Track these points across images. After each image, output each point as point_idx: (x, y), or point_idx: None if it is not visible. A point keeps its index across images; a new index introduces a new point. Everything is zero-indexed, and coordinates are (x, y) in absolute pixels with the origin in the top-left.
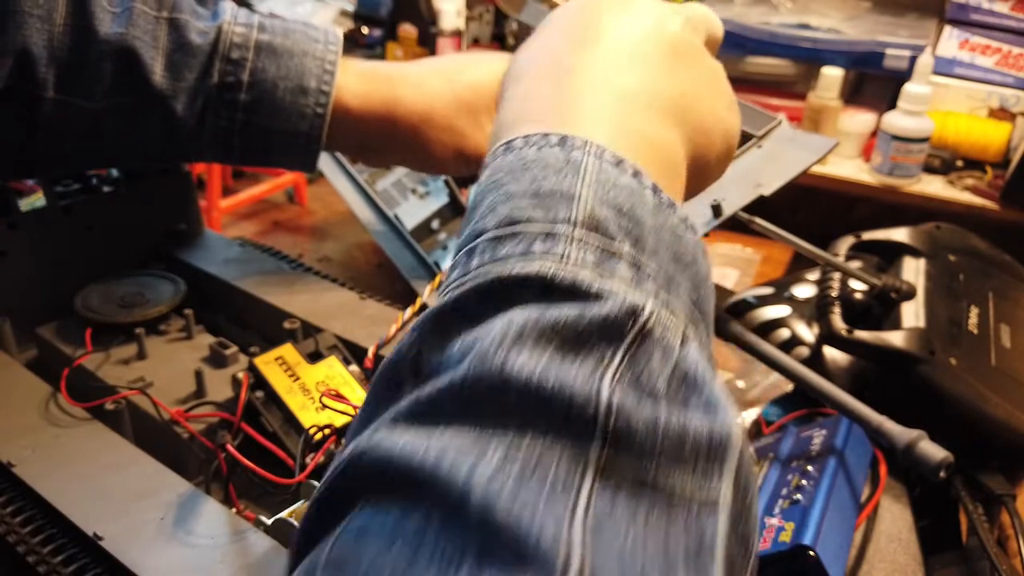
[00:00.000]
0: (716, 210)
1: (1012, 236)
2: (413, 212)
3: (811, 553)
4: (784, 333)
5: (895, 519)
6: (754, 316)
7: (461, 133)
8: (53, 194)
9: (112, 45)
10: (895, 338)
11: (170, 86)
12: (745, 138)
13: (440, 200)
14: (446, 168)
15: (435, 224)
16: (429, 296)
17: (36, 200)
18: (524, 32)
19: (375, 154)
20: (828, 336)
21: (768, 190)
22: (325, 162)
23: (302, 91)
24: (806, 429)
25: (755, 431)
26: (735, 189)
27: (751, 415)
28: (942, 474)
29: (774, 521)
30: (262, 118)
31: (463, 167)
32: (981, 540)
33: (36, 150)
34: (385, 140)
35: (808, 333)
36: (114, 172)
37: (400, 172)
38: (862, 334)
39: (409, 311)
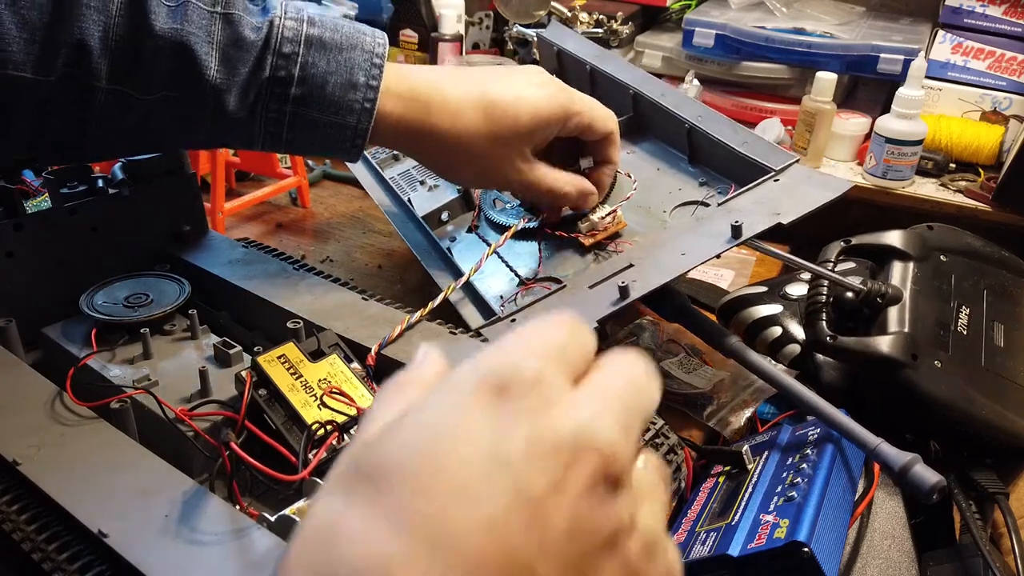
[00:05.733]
0: (736, 231)
1: (1004, 237)
2: (423, 202)
3: (806, 549)
4: (776, 331)
5: (889, 516)
6: (747, 314)
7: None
8: (59, 196)
9: (167, 40)
10: (877, 343)
11: (224, 80)
12: (763, 171)
13: (450, 194)
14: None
15: (444, 216)
16: (441, 301)
17: (42, 201)
18: (543, 48)
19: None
20: (814, 343)
21: (786, 219)
22: None
23: (351, 86)
24: (801, 427)
25: (750, 429)
26: (754, 215)
27: (746, 413)
28: (935, 497)
29: (769, 518)
30: (312, 111)
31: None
32: (975, 537)
33: (89, 137)
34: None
35: (800, 331)
36: (119, 174)
37: (409, 163)
38: (846, 340)
39: (418, 314)
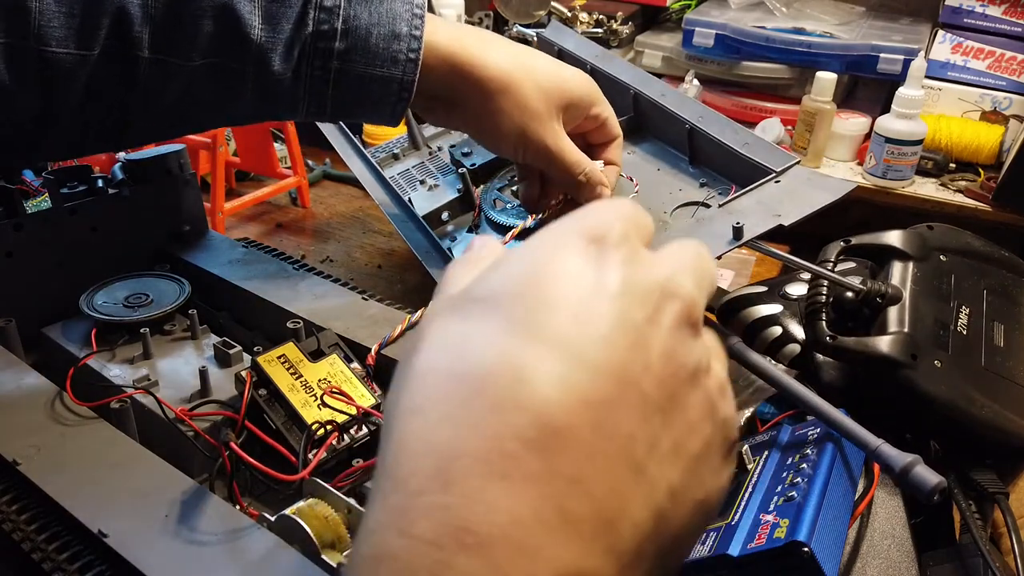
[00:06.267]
0: (737, 233)
1: (1004, 237)
2: (422, 202)
3: (806, 549)
4: (776, 331)
5: (889, 516)
6: (747, 314)
7: (532, 115)
8: (58, 196)
9: (209, 1)
10: (877, 344)
11: (268, 39)
12: (764, 172)
13: (450, 194)
14: (505, 145)
15: (445, 215)
16: None
17: (41, 202)
18: (543, 46)
19: (443, 108)
20: (813, 343)
21: (787, 220)
22: (339, 143)
23: (395, 36)
24: (800, 427)
25: (750, 429)
26: (755, 217)
27: (746, 413)
28: (936, 498)
29: (769, 518)
30: (357, 66)
31: (520, 151)
32: (974, 537)
33: (133, 115)
34: (460, 95)
35: (800, 331)
36: (119, 174)
37: (409, 162)
38: (845, 341)
39: (418, 314)
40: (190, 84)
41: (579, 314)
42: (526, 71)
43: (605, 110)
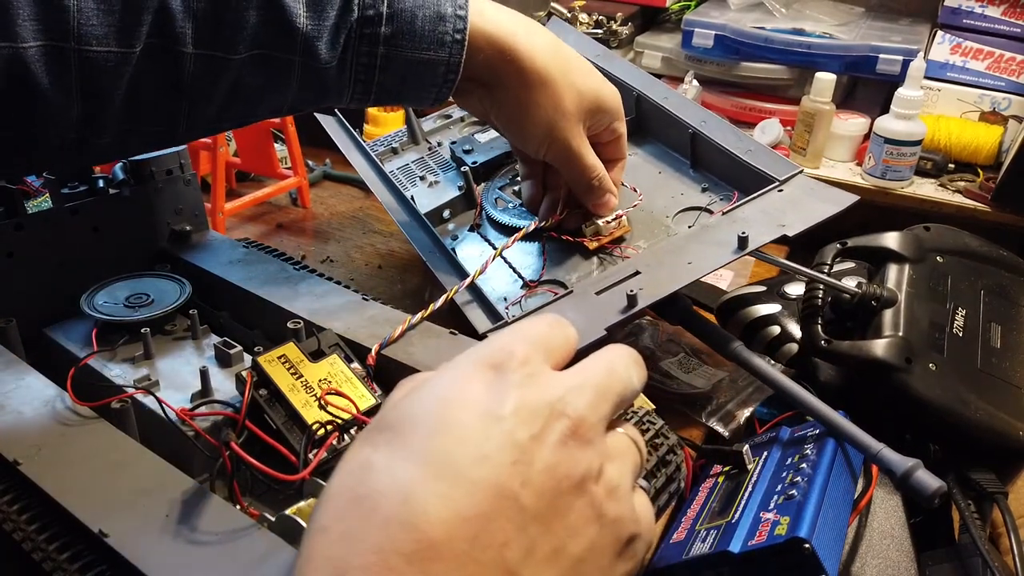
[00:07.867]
0: (742, 242)
1: (1003, 238)
2: (423, 199)
3: (807, 546)
4: (774, 330)
5: (888, 515)
6: (745, 314)
7: (563, 114)
8: (59, 196)
9: None
10: (871, 347)
11: (314, 26)
12: (767, 180)
13: (451, 191)
14: (531, 138)
15: (446, 214)
16: (443, 303)
17: (43, 202)
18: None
19: (481, 91)
20: (809, 346)
21: (792, 231)
22: (340, 138)
23: (440, 18)
24: (800, 427)
25: (749, 429)
26: (759, 226)
27: (746, 413)
28: (936, 502)
29: (770, 515)
30: (404, 51)
31: (544, 146)
32: (973, 537)
33: (182, 112)
34: (501, 79)
35: (798, 330)
36: (120, 174)
37: (408, 157)
38: (841, 345)
39: (419, 315)
40: (238, 78)
41: (468, 437)
42: (565, 70)
43: (622, 127)
